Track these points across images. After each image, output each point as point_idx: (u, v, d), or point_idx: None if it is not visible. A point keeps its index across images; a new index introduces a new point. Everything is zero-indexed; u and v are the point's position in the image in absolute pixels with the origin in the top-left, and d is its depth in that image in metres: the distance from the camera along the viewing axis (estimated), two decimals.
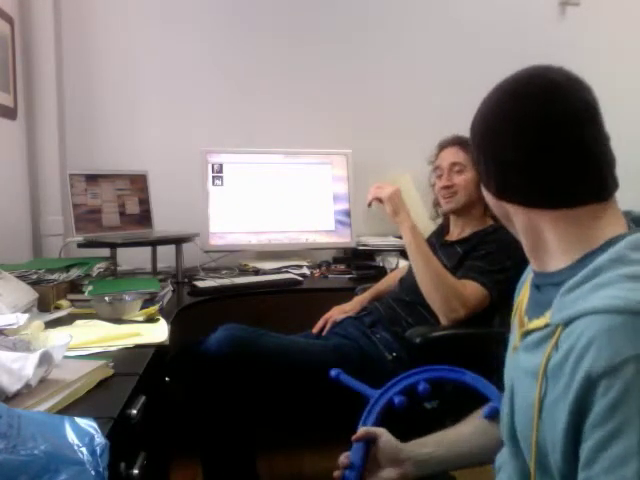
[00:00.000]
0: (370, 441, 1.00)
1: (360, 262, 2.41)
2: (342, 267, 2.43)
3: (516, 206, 0.75)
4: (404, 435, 1.03)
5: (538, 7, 2.74)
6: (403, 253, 2.34)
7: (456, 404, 1.44)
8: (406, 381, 1.11)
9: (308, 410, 1.82)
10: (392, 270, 2.23)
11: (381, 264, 2.37)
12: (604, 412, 0.57)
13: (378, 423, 1.07)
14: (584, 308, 0.62)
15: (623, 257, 0.65)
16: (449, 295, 1.56)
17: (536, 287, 0.78)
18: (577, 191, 0.71)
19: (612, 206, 0.74)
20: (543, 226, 0.73)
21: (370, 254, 2.43)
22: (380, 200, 1.72)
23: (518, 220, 0.76)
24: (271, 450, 2.05)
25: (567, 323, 0.64)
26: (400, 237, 2.45)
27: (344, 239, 2.49)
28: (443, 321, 1.58)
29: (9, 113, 2.13)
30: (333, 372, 1.26)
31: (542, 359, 0.66)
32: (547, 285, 0.73)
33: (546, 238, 0.73)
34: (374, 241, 2.44)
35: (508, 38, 2.66)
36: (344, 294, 2.05)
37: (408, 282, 1.80)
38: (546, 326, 0.69)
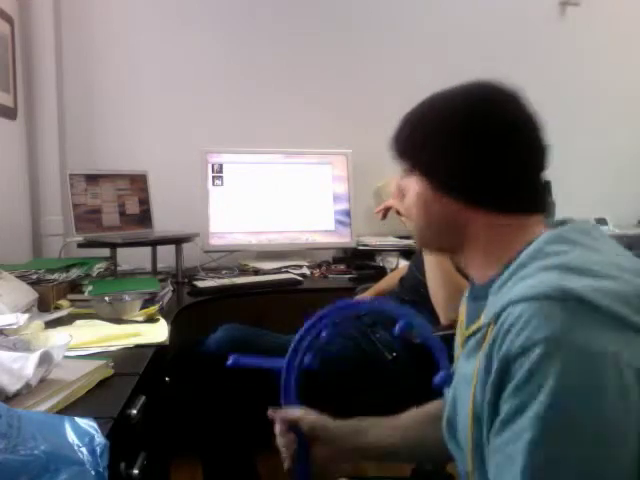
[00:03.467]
0: (297, 430, 0.93)
1: (360, 262, 2.40)
2: (342, 267, 2.43)
3: (457, 204, 0.75)
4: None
5: (538, 7, 2.74)
6: (403, 253, 2.35)
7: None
8: (309, 333, 0.96)
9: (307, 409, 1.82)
10: (392, 270, 2.23)
11: (381, 264, 2.37)
12: (512, 389, 0.61)
13: (301, 397, 0.97)
14: (507, 300, 0.65)
15: (540, 251, 0.68)
16: (454, 294, 1.55)
17: (472, 299, 0.80)
18: (524, 198, 0.74)
19: (539, 219, 0.76)
20: (479, 230, 0.75)
21: (370, 254, 2.43)
22: (389, 208, 1.71)
23: (452, 218, 0.76)
24: (271, 450, 2.05)
25: (495, 319, 0.66)
26: (400, 237, 2.48)
27: (344, 239, 2.49)
28: (443, 320, 1.57)
29: (9, 113, 2.13)
30: (231, 360, 1.05)
31: (476, 360, 0.69)
32: (480, 297, 0.75)
33: (480, 244, 0.75)
34: (374, 241, 2.44)
35: (508, 38, 2.66)
36: (344, 294, 2.05)
37: (408, 282, 1.80)
38: (479, 329, 0.71)
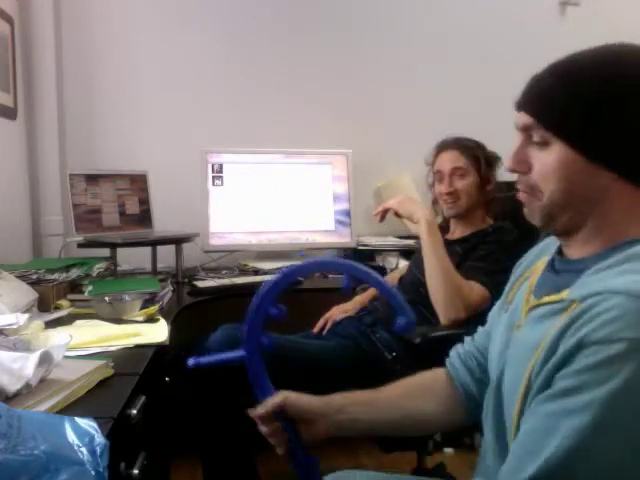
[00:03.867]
0: (281, 415, 0.91)
1: (360, 262, 2.40)
2: None
3: (610, 176, 0.70)
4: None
5: (538, 7, 2.75)
6: (403, 253, 2.35)
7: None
8: (257, 313, 0.91)
9: None
10: (392, 270, 2.23)
11: (381, 264, 2.37)
12: (576, 369, 0.60)
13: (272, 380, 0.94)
14: (604, 287, 0.63)
15: None
16: (454, 294, 1.55)
17: (554, 271, 0.78)
18: None
19: None
20: (618, 204, 0.71)
21: (370, 254, 2.43)
22: (387, 210, 1.71)
23: (597, 191, 0.71)
24: (271, 450, 2.05)
25: (583, 299, 0.64)
26: (400, 237, 2.48)
27: (344, 239, 2.49)
28: (443, 320, 1.58)
29: (9, 113, 2.13)
30: (190, 362, 0.95)
31: (550, 329, 0.67)
32: (568, 271, 0.74)
33: (608, 220, 0.72)
34: (374, 241, 2.44)
35: (508, 38, 2.66)
36: (344, 294, 2.05)
37: (408, 281, 1.80)
38: (560, 301, 0.69)
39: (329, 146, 2.53)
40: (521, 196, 0.78)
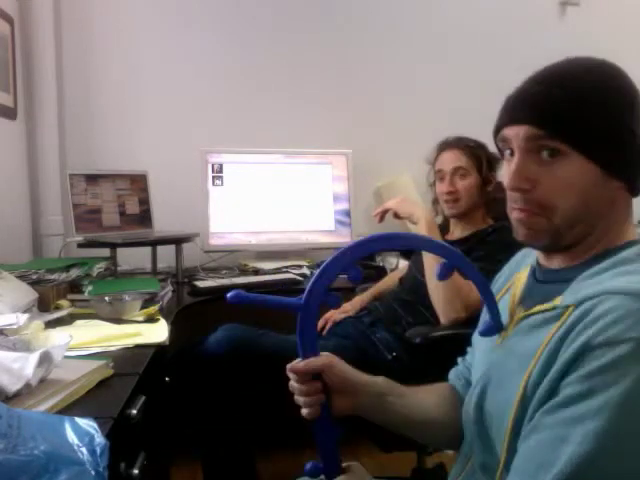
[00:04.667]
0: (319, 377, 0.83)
1: (360, 262, 2.40)
2: None
3: (619, 186, 0.70)
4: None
5: (538, 7, 2.74)
6: (403, 253, 2.35)
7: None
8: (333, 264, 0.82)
9: None
10: (392, 270, 2.23)
11: (381, 264, 2.37)
12: (582, 375, 0.59)
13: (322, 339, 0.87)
14: (601, 289, 0.62)
15: None
16: (454, 295, 1.55)
17: (541, 281, 0.77)
18: None
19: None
20: (619, 214, 0.72)
21: (370, 254, 2.43)
22: (387, 211, 1.71)
23: (609, 202, 0.71)
24: (271, 450, 2.05)
25: (580, 303, 0.63)
26: None
27: (344, 239, 2.48)
28: (443, 320, 1.57)
29: (9, 113, 2.13)
30: (230, 294, 0.83)
31: (545, 336, 0.66)
32: (554, 281, 0.73)
33: (605, 230, 0.71)
34: None
35: (508, 38, 2.66)
36: (344, 294, 2.05)
37: (408, 282, 1.80)
38: (553, 308, 0.68)
39: (329, 146, 2.53)
40: (521, 216, 0.72)
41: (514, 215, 0.74)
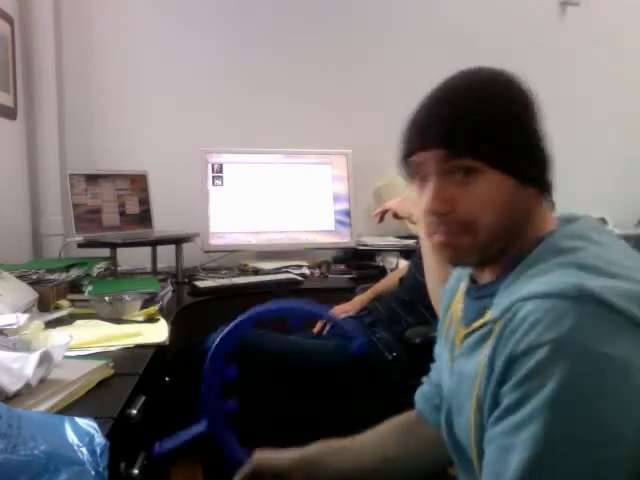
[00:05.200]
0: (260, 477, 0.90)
1: (360, 262, 2.41)
2: (342, 267, 2.43)
3: (531, 193, 0.71)
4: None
5: (538, 7, 2.74)
6: (403, 253, 2.35)
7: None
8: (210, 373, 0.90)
9: (308, 410, 1.82)
10: (392, 270, 2.23)
11: (381, 264, 2.37)
12: (513, 384, 0.60)
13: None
14: (515, 298, 0.63)
15: (556, 247, 0.66)
16: None
17: (475, 298, 0.77)
18: (550, 180, 0.72)
19: (549, 207, 0.74)
20: (533, 217, 0.72)
21: (370, 254, 2.43)
22: (386, 211, 1.71)
23: (526, 209, 0.71)
24: (271, 450, 2.04)
25: (502, 316, 0.64)
26: (400, 237, 2.48)
27: (344, 239, 2.49)
28: None
29: (9, 113, 2.13)
30: (156, 449, 0.96)
31: (482, 354, 0.67)
32: (483, 297, 0.73)
33: (525, 231, 0.72)
34: (374, 241, 2.44)
35: (508, 38, 2.66)
36: (344, 294, 2.05)
37: (408, 282, 1.80)
38: (484, 324, 0.69)
39: (329, 146, 2.53)
40: (443, 239, 0.71)
41: (435, 240, 0.73)
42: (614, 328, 0.58)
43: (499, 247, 0.71)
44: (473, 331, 0.72)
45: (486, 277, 0.75)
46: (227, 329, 0.92)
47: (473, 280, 0.79)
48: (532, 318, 0.60)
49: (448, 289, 0.90)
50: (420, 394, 0.99)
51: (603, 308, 0.58)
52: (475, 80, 0.74)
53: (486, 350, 0.66)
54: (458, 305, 0.82)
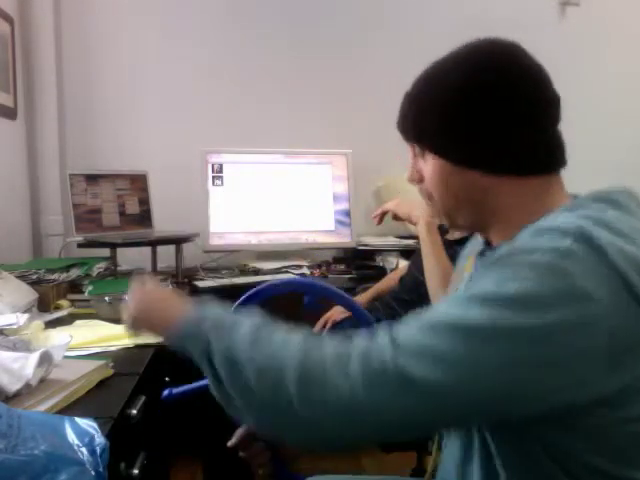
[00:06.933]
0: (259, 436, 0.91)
1: (360, 262, 2.40)
2: (342, 267, 2.43)
3: (477, 174, 0.72)
4: None
5: (538, 7, 2.74)
6: (403, 253, 2.35)
7: None
8: None
9: None
10: (392, 270, 2.23)
11: (381, 264, 2.37)
12: (484, 266, 0.65)
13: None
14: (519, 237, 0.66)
15: (576, 204, 0.68)
16: None
17: (483, 256, 0.79)
18: (538, 156, 0.72)
19: (559, 181, 0.75)
20: (503, 198, 0.73)
21: (370, 254, 2.43)
22: (385, 212, 1.71)
23: (475, 190, 0.74)
24: None
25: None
26: (400, 237, 2.48)
27: (344, 239, 2.49)
28: None
29: (9, 113, 2.13)
30: (165, 393, 1.04)
31: None
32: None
33: (506, 213, 0.73)
34: (374, 241, 2.44)
35: (508, 38, 2.66)
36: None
37: (408, 281, 1.80)
38: None
39: (329, 146, 2.53)
40: (425, 203, 0.82)
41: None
42: (604, 279, 0.58)
43: (464, 217, 0.77)
44: None
45: (495, 241, 0.77)
46: (238, 301, 0.95)
47: (488, 244, 0.81)
48: (525, 243, 0.62)
49: (464, 254, 0.93)
50: None
51: (602, 258, 0.58)
52: (436, 66, 0.80)
53: None
54: (470, 264, 0.84)
